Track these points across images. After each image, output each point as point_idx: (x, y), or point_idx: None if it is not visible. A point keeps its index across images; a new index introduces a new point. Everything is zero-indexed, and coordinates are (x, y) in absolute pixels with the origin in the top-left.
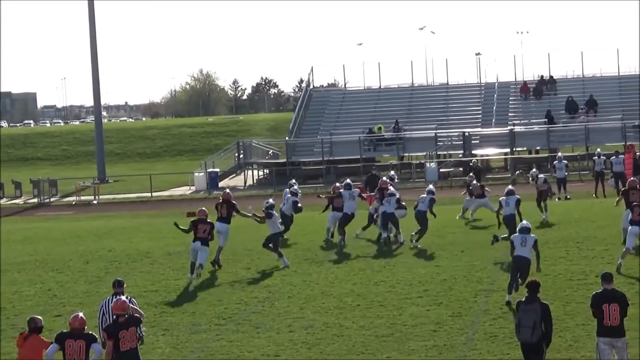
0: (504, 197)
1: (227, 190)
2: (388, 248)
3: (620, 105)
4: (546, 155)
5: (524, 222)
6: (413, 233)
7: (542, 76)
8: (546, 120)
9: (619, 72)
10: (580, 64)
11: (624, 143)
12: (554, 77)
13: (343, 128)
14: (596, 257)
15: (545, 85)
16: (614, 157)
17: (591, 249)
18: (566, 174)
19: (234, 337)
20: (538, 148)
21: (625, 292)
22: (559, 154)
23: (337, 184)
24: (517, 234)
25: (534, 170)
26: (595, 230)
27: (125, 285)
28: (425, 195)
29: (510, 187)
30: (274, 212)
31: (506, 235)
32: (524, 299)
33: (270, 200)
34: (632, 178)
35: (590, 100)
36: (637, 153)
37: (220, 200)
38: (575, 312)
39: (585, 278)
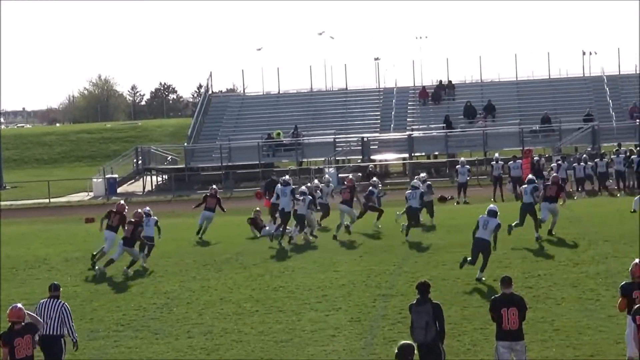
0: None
1: (122, 202)
2: (284, 254)
3: (518, 110)
4: (444, 160)
5: (492, 205)
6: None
7: (440, 81)
8: (444, 125)
9: (516, 77)
10: (479, 69)
11: (521, 148)
12: (453, 82)
13: (242, 133)
14: (494, 262)
15: (443, 91)
16: (511, 161)
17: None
18: (468, 178)
19: (133, 344)
20: (437, 153)
21: (523, 296)
22: (462, 159)
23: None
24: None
25: (423, 174)
26: None
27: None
28: (410, 191)
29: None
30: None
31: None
32: (415, 301)
33: (147, 208)
34: (554, 174)
35: (489, 105)
36: (535, 158)
37: (114, 210)
38: (473, 316)
39: (483, 282)
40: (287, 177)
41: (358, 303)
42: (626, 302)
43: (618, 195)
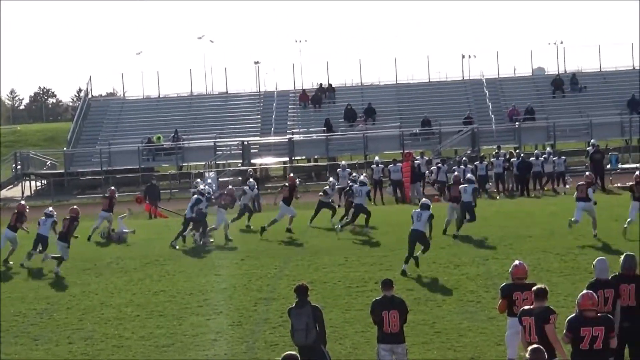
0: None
1: (23, 202)
2: (164, 258)
3: (398, 113)
4: (325, 163)
5: (424, 199)
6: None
7: (320, 84)
8: (325, 128)
9: (396, 81)
10: (359, 73)
11: (402, 151)
12: (333, 86)
13: (122, 138)
14: (375, 264)
15: (324, 94)
16: (392, 165)
17: (370, 256)
18: (349, 182)
19: (12, 350)
20: (317, 157)
21: (404, 299)
22: (342, 162)
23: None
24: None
25: (330, 180)
26: (375, 236)
27: None
28: (358, 186)
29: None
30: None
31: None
32: (294, 304)
33: (50, 209)
34: (456, 173)
35: (369, 108)
36: (417, 161)
37: (15, 211)
38: (355, 319)
39: (365, 285)
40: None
41: (239, 307)
42: (506, 304)
43: (497, 197)
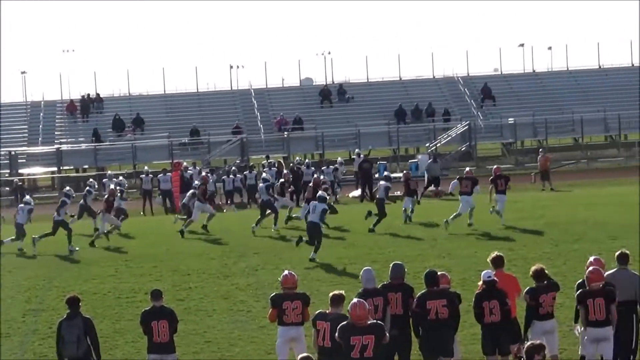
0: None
1: None
2: None
3: (166, 123)
4: (94, 173)
5: (320, 192)
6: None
7: (88, 94)
8: (93, 138)
9: (165, 91)
10: (127, 83)
11: (171, 161)
12: (101, 96)
13: None
14: (145, 275)
15: (92, 104)
16: (161, 174)
17: (140, 267)
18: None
19: None
20: (86, 167)
21: (174, 308)
22: (109, 172)
23: None
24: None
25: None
26: (145, 246)
27: None
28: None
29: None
30: None
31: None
32: (65, 316)
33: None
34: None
35: (137, 118)
36: (190, 171)
37: None
38: (125, 329)
39: (135, 295)
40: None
41: (8, 318)
42: (277, 313)
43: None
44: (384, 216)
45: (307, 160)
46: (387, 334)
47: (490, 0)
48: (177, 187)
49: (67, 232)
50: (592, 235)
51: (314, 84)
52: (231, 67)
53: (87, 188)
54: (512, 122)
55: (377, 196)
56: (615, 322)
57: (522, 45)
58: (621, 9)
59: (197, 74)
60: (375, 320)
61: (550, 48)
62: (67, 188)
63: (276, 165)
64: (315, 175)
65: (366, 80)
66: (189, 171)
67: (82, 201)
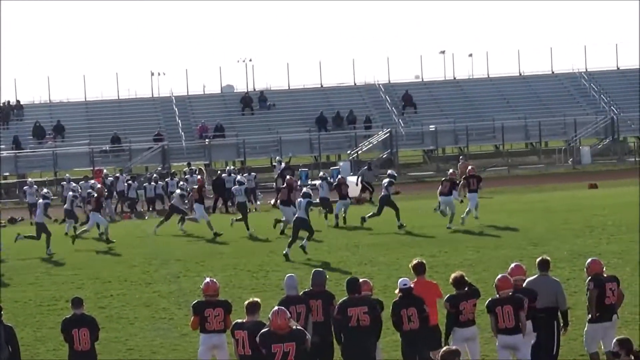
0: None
1: None
2: None
3: (87, 130)
4: (14, 180)
5: (305, 189)
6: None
7: (8, 101)
8: (14, 145)
9: (85, 98)
10: (47, 90)
11: (92, 168)
12: (21, 103)
13: None
14: (66, 282)
15: (12, 111)
16: (83, 181)
17: (61, 275)
18: (36, 199)
19: None
20: (7, 174)
21: (96, 316)
22: (29, 179)
23: None
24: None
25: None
26: (66, 255)
27: None
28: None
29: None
30: None
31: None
32: None
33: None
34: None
35: (58, 125)
36: (110, 178)
37: None
38: (46, 337)
39: (56, 303)
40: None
41: None
42: (198, 320)
43: (190, 213)
44: (379, 215)
45: (228, 168)
46: (309, 341)
47: (411, 8)
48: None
49: (47, 236)
50: (514, 242)
51: (235, 91)
52: (152, 74)
53: (72, 193)
54: (433, 129)
55: (382, 193)
56: (525, 329)
57: (443, 52)
58: (540, 16)
59: (117, 81)
60: (296, 328)
61: (471, 55)
62: (45, 190)
63: (197, 172)
64: (288, 177)
65: (287, 88)
66: (109, 178)
67: (67, 205)
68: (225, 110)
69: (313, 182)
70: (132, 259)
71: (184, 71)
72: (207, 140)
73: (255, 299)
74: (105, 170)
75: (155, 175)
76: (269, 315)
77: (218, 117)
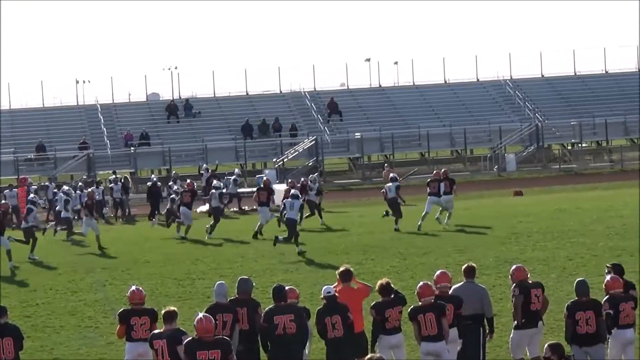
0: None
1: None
2: None
3: (12, 138)
4: None
5: (293, 190)
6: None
7: None
8: None
9: (10, 106)
10: None
11: (17, 176)
12: None
13: None
14: None
15: None
16: (7, 190)
17: None
18: None
19: None
20: None
21: (21, 325)
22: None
23: None
24: (289, 199)
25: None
26: None
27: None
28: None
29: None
30: None
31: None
32: None
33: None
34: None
35: None
36: (34, 187)
37: None
38: None
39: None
40: None
41: None
42: (125, 329)
43: (115, 222)
44: (400, 214)
45: (152, 176)
46: (233, 354)
47: (337, 15)
48: (23, 202)
49: (33, 240)
50: (440, 249)
51: (160, 99)
52: (77, 81)
53: (66, 198)
54: (359, 137)
55: (389, 196)
56: (448, 336)
57: (368, 60)
58: (465, 23)
59: (42, 88)
60: (221, 335)
61: (396, 63)
62: (32, 195)
63: (122, 180)
64: (265, 178)
65: (213, 95)
66: (32, 186)
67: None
68: (150, 118)
69: (243, 190)
70: (58, 268)
71: (109, 79)
72: (132, 148)
73: (172, 308)
74: (29, 179)
75: (80, 183)
76: (194, 323)
77: (144, 125)
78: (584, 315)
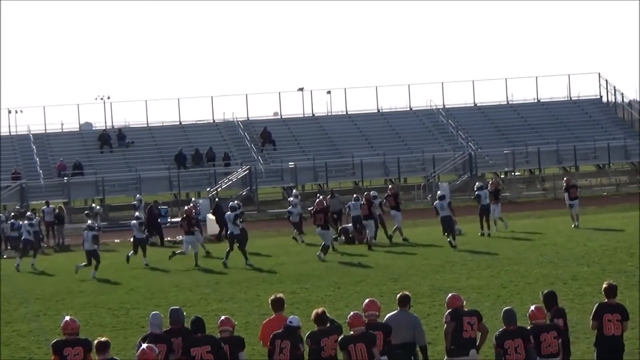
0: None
1: None
2: None
3: None
4: None
5: (231, 202)
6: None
7: None
8: None
9: None
10: None
11: None
12: None
13: None
14: None
15: None
16: None
17: None
18: None
19: None
20: None
21: None
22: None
23: None
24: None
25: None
26: None
27: None
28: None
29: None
30: None
31: None
32: None
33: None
34: None
35: None
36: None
37: None
38: None
39: None
40: None
41: None
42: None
43: (48, 249)
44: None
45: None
46: None
47: (269, 45)
48: None
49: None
50: (374, 278)
51: (93, 128)
52: (9, 111)
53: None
54: (292, 166)
55: (441, 215)
56: None
57: (301, 89)
58: (397, 53)
59: None
60: None
61: (329, 92)
62: (29, 213)
63: (57, 210)
64: (186, 207)
65: (146, 125)
66: None
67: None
68: (83, 148)
69: (175, 220)
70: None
71: (41, 108)
72: (65, 178)
73: (105, 338)
74: None
75: (12, 214)
76: (137, 355)
77: (77, 155)
78: (512, 343)
